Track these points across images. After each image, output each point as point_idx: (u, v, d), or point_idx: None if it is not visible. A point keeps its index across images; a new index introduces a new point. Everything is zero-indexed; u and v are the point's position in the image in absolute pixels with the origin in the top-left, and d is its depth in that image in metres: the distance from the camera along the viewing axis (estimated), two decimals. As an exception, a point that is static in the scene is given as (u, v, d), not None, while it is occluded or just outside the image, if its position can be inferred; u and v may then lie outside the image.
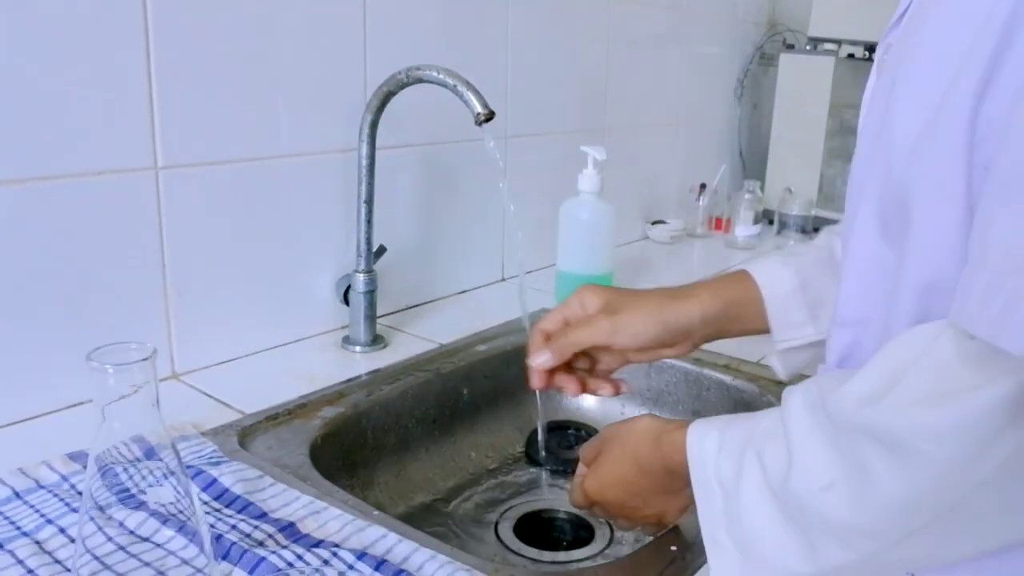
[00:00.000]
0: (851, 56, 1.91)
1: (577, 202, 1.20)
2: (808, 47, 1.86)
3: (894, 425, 0.44)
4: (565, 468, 1.01)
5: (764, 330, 0.75)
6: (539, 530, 0.92)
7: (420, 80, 0.92)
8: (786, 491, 0.51)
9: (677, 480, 0.62)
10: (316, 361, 1.00)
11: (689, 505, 0.64)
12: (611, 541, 0.88)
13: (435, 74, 0.90)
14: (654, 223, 1.75)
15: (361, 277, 1.03)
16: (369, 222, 1.01)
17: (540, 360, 0.72)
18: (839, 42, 1.82)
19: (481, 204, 1.29)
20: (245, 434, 0.82)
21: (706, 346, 0.78)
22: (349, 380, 0.95)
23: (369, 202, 1.00)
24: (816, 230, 1.78)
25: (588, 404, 1.11)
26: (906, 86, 0.50)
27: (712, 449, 0.58)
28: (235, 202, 0.95)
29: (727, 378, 1.04)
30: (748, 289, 0.75)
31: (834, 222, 1.88)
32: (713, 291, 0.74)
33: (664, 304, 0.73)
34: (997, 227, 0.41)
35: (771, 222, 1.81)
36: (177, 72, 0.87)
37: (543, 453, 1.02)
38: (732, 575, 0.56)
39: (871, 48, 2.06)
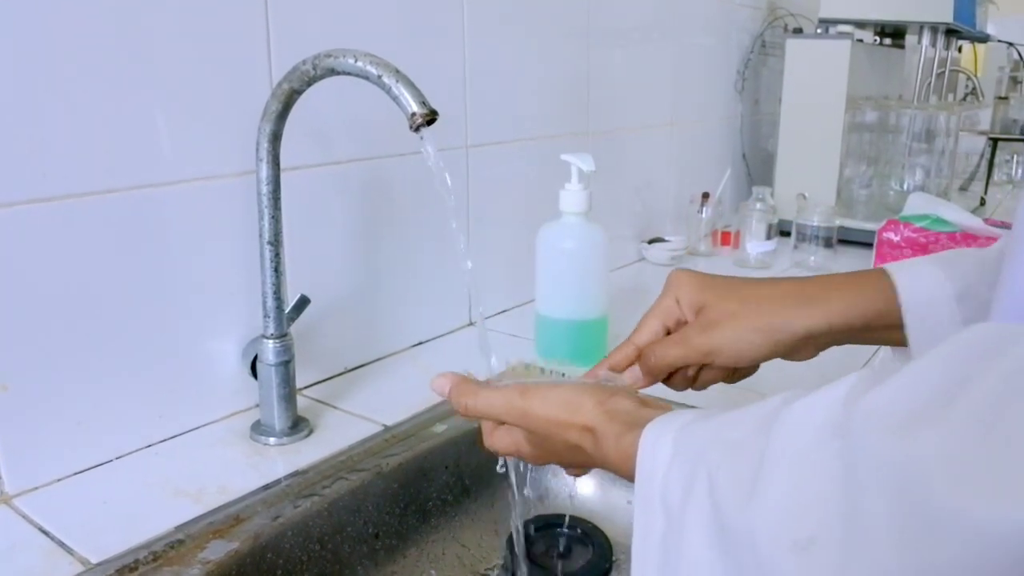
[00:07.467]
0: (860, 41, 1.67)
1: (559, 227, 0.93)
2: (819, 31, 1.61)
3: (930, 476, 0.28)
4: (559, 586, 0.75)
5: (902, 343, 0.59)
6: None
7: (333, 71, 0.66)
8: (738, 532, 0.35)
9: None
10: (211, 464, 0.73)
11: None
12: None
13: (353, 62, 0.64)
14: (651, 242, 1.49)
15: (270, 345, 0.75)
16: (277, 270, 0.74)
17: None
18: (860, 23, 1.58)
19: (439, 231, 1.02)
20: (81, 601, 0.55)
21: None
22: (255, 492, 0.69)
23: (275, 243, 0.73)
24: (843, 243, 1.52)
25: (585, 493, 0.85)
26: None
27: (664, 458, 0.42)
28: (86, 249, 0.69)
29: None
30: (889, 299, 0.59)
31: (861, 233, 1.62)
32: (846, 299, 0.59)
33: (779, 313, 0.59)
34: None
35: (782, 233, 1.54)
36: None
37: (524, 567, 0.76)
38: None
39: (883, 32, 1.82)
